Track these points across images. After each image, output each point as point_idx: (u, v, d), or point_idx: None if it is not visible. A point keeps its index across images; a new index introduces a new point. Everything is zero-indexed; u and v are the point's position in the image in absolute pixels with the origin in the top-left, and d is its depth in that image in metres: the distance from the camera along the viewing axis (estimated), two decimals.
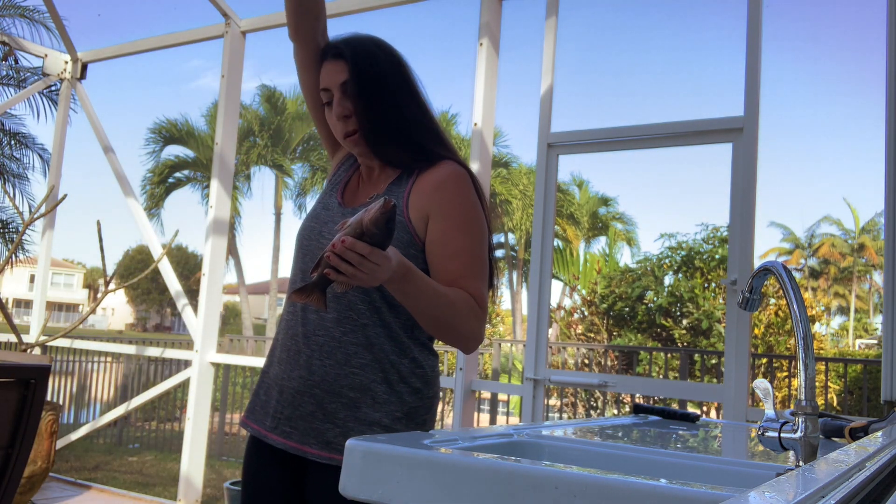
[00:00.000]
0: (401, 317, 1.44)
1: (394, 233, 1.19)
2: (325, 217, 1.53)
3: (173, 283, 4.65)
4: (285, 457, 1.47)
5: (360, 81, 1.47)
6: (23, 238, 6.83)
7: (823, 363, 9.22)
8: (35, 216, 4.72)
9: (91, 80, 5.32)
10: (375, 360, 1.42)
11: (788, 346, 9.60)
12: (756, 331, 9.58)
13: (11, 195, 10.14)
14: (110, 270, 4.34)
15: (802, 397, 0.93)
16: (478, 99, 3.69)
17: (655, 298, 10.88)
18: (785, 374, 7.78)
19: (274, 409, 1.48)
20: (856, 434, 1.23)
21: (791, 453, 0.94)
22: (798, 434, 0.92)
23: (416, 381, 1.46)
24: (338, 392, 1.41)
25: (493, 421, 6.88)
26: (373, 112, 1.48)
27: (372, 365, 1.42)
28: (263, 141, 23.83)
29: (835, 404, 9.14)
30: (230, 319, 37.04)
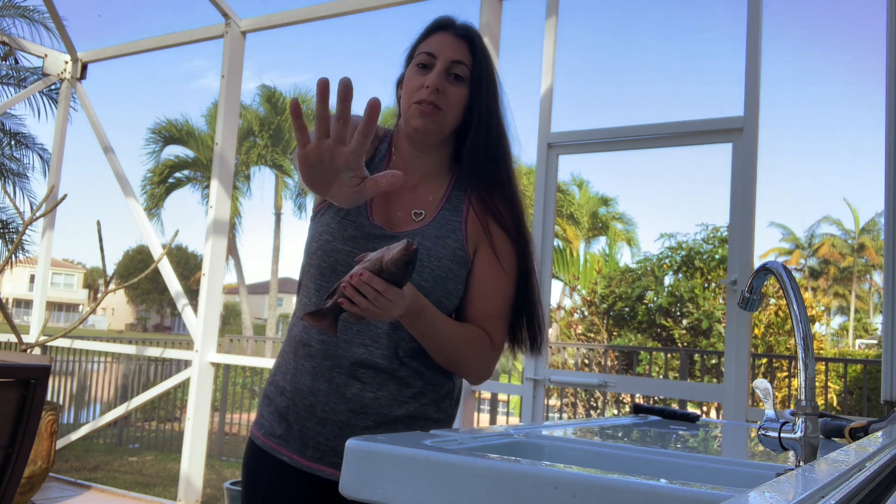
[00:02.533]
0: None
1: (412, 273, 1.19)
2: (365, 246, 1.38)
3: (173, 284, 4.65)
4: (326, 483, 1.41)
5: (477, 70, 1.42)
6: (23, 238, 6.82)
7: (823, 363, 9.22)
8: (35, 216, 4.72)
9: (91, 80, 5.32)
10: (427, 384, 1.42)
11: (788, 346, 9.60)
12: (756, 331, 9.58)
13: (11, 195, 10.15)
14: (110, 270, 4.34)
15: (802, 397, 0.93)
16: None
17: (655, 298, 10.87)
18: (785, 374, 7.78)
19: (315, 440, 1.41)
20: (856, 434, 1.23)
21: (791, 453, 0.94)
22: (798, 434, 0.92)
23: (456, 390, 1.49)
24: (391, 421, 1.39)
25: (493, 421, 6.88)
26: (473, 104, 1.42)
27: (424, 391, 1.41)
28: (263, 141, 23.83)
29: (835, 404, 9.14)
30: (230, 319, 37.04)
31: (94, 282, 46.38)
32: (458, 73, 1.41)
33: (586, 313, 11.65)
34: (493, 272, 1.41)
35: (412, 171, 1.45)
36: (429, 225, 1.41)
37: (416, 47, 1.46)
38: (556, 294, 21.81)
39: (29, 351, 4.36)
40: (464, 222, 1.43)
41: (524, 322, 1.45)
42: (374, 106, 1.11)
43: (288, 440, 1.43)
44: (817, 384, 8.82)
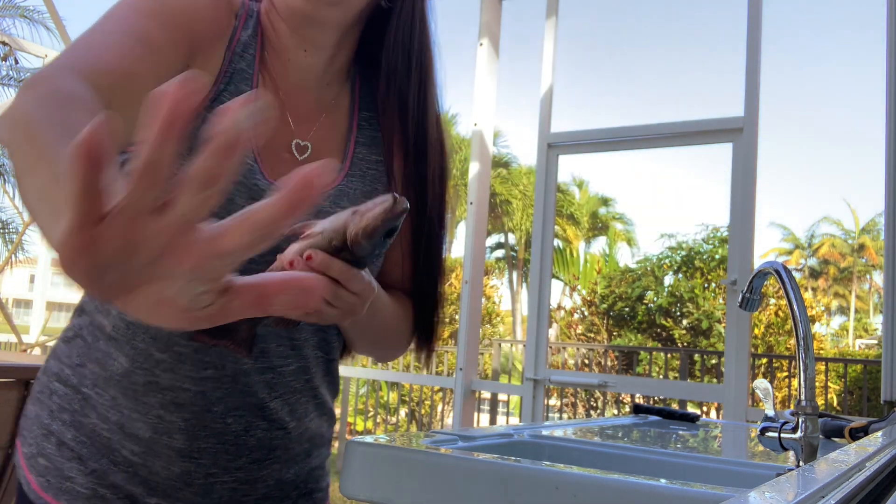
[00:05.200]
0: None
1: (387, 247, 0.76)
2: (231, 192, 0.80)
3: None
4: None
5: None
6: (23, 238, 6.83)
7: (823, 363, 9.23)
8: None
9: None
10: (323, 384, 1.02)
11: (788, 346, 9.60)
12: (756, 331, 9.59)
13: (11, 195, 10.14)
14: None
15: (802, 397, 0.93)
16: (478, 99, 3.69)
17: (655, 298, 10.88)
18: (785, 374, 7.78)
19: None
20: (856, 434, 1.23)
21: (791, 453, 0.94)
22: (798, 434, 0.92)
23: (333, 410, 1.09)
24: (299, 455, 1.02)
25: (493, 421, 6.89)
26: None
27: (325, 399, 1.03)
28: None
29: (835, 404, 9.14)
30: None
31: None
32: None
33: (586, 313, 11.65)
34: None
35: (293, 73, 0.94)
36: (349, 173, 0.94)
37: None
38: (557, 294, 21.85)
39: (29, 351, 4.36)
40: (388, 161, 0.97)
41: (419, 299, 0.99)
42: (235, 142, 0.37)
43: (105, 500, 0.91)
44: (817, 384, 8.82)
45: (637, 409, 1.61)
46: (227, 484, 0.94)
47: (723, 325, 8.56)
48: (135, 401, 0.90)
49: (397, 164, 0.96)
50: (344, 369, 1.87)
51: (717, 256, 10.82)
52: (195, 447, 0.91)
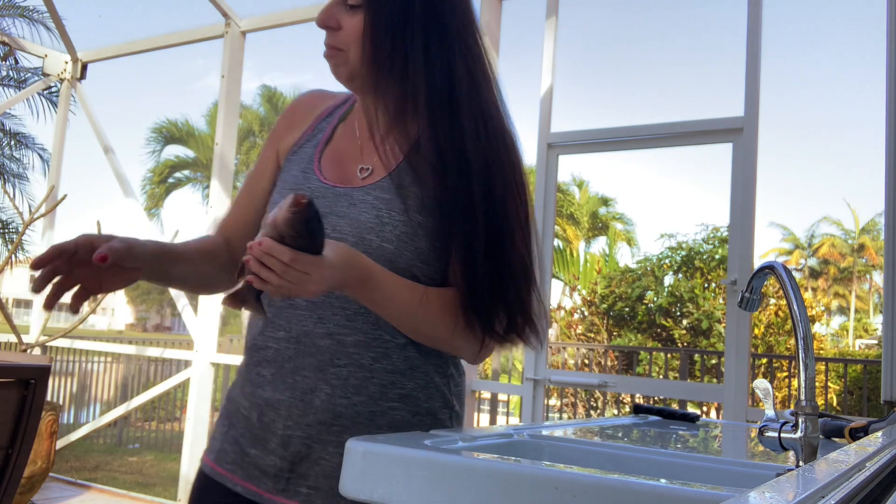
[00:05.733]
0: None
1: (321, 232, 0.94)
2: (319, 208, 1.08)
3: None
4: None
5: None
6: (23, 238, 6.82)
7: (823, 363, 9.23)
8: (35, 216, 4.72)
9: (91, 80, 5.32)
10: (417, 387, 1.13)
11: (788, 346, 9.60)
12: (756, 331, 9.58)
13: (11, 195, 10.15)
14: None
15: (802, 397, 0.93)
16: None
17: (655, 298, 10.88)
18: (785, 374, 7.78)
19: (277, 467, 1.11)
20: (856, 434, 1.23)
21: (791, 453, 0.94)
22: (798, 434, 0.92)
23: (457, 402, 1.19)
24: (372, 433, 1.10)
25: (493, 421, 6.88)
26: (379, 33, 1.10)
27: (412, 394, 1.12)
28: (263, 141, 23.83)
29: (835, 404, 9.14)
30: (230, 319, 37.04)
31: None
32: (350, 1, 1.11)
33: (586, 313, 11.65)
34: None
35: (362, 122, 1.20)
36: (394, 172, 1.13)
37: None
38: (557, 294, 21.84)
39: (29, 351, 4.36)
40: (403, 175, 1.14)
41: (489, 293, 1.08)
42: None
43: (243, 466, 1.15)
44: (817, 384, 8.82)
45: (637, 409, 1.61)
46: (301, 440, 1.10)
47: (723, 325, 8.56)
48: (248, 363, 1.18)
49: (435, 182, 1.10)
50: None
51: (717, 256, 10.82)
52: (276, 399, 1.11)
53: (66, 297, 1.06)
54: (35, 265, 1.04)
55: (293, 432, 1.10)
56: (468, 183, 1.07)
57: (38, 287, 1.03)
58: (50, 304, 1.05)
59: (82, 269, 1.04)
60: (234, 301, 1.00)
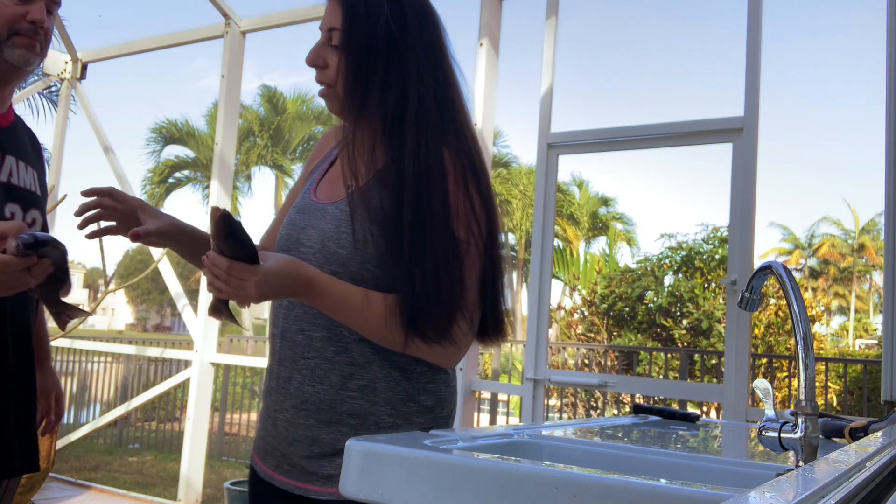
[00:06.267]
0: None
1: (246, 243, 1.07)
2: (301, 221, 1.31)
3: (173, 284, 4.65)
4: (292, 498, 1.27)
5: (349, 33, 1.25)
6: None
7: (823, 363, 9.22)
8: None
9: (91, 80, 5.32)
10: (375, 379, 1.22)
11: (788, 346, 9.60)
12: (756, 331, 9.58)
13: None
14: (110, 271, 4.34)
15: (802, 397, 0.93)
16: (478, 99, 3.69)
17: (655, 298, 10.87)
18: (785, 374, 7.78)
19: (272, 446, 1.29)
20: (856, 434, 1.23)
21: (791, 453, 0.94)
22: (798, 434, 0.92)
23: (427, 398, 1.25)
24: (335, 421, 1.22)
25: (493, 421, 6.89)
26: (352, 71, 1.25)
27: (371, 385, 1.22)
28: (263, 141, 23.83)
29: (835, 404, 9.14)
30: None
31: (93, 282, 46.39)
32: (334, 41, 1.27)
33: (586, 313, 11.64)
34: None
35: (352, 142, 1.31)
36: (356, 189, 1.26)
37: None
38: (557, 294, 21.84)
39: None
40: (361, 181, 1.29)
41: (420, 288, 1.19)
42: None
43: (259, 447, 1.34)
44: (817, 384, 8.82)
45: (637, 409, 1.61)
46: (282, 423, 1.27)
47: (723, 325, 8.56)
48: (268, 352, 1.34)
49: (382, 197, 1.24)
50: None
51: (717, 256, 10.80)
52: (269, 386, 1.31)
53: (73, 299, 1.27)
54: (87, 193, 1.33)
55: (277, 415, 1.28)
56: (400, 200, 1.20)
57: (81, 210, 1.33)
58: (83, 226, 1.35)
59: (122, 216, 1.34)
60: (214, 312, 1.18)
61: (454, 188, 1.22)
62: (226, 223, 1.04)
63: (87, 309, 1.30)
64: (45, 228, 1.56)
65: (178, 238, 1.37)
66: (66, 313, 1.39)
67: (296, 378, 1.25)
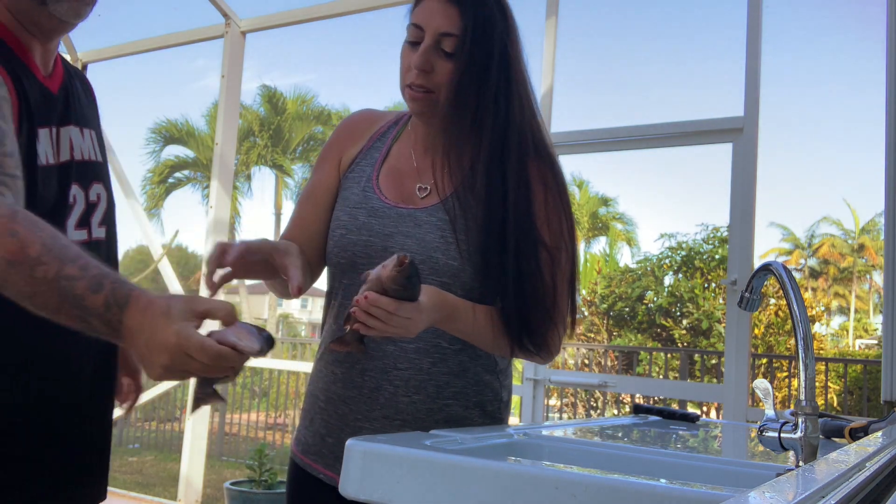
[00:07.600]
0: None
1: (419, 284, 1.09)
2: (383, 228, 1.28)
3: (173, 284, 4.65)
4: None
5: (471, 45, 1.23)
6: None
7: (823, 363, 9.22)
8: None
9: (91, 80, 5.31)
10: (467, 385, 1.28)
11: (788, 346, 9.60)
12: (756, 331, 9.59)
13: None
14: None
15: (802, 397, 0.93)
16: None
17: (655, 298, 10.88)
18: (785, 374, 7.78)
19: None
20: (856, 434, 1.23)
21: (791, 453, 0.94)
22: (798, 434, 0.92)
23: (505, 393, 1.35)
24: (430, 428, 1.22)
25: None
26: (466, 82, 1.24)
27: (465, 391, 1.28)
28: (263, 141, 23.83)
29: (835, 404, 9.14)
30: None
31: None
32: (446, 47, 1.23)
33: (586, 313, 11.64)
34: None
35: (430, 147, 1.33)
36: (452, 196, 1.27)
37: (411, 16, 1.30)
38: None
39: None
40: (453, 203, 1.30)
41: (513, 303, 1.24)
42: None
43: (322, 455, 1.32)
44: (817, 384, 8.82)
45: (637, 409, 1.61)
46: (369, 431, 1.25)
47: (723, 325, 8.56)
48: (324, 362, 1.33)
49: (481, 209, 1.26)
50: None
51: (717, 256, 10.81)
52: (346, 395, 1.28)
53: None
54: (220, 262, 1.15)
55: (362, 424, 1.27)
56: (497, 212, 1.24)
57: (217, 285, 1.16)
58: (215, 289, 1.17)
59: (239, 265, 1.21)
60: (340, 344, 1.17)
61: (544, 201, 1.28)
62: (414, 270, 1.07)
63: (224, 398, 1.20)
64: (110, 202, 1.36)
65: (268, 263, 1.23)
66: (209, 400, 1.19)
67: (386, 388, 1.25)
